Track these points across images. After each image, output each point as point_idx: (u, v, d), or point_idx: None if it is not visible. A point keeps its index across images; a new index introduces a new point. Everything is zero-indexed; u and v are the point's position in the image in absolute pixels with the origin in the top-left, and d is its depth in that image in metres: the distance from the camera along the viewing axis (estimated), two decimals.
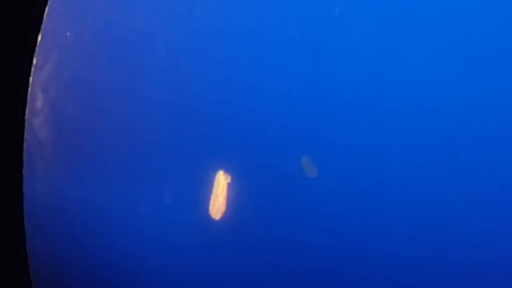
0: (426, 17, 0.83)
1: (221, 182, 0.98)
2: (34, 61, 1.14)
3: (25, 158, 1.15)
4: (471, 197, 0.81)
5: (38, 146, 1.15)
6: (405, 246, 0.85)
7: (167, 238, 1.04)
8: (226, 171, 0.97)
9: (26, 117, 1.15)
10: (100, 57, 1.10)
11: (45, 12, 1.13)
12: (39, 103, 1.14)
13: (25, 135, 1.15)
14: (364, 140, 0.86)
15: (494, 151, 0.79)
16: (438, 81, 0.82)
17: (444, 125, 0.82)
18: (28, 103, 1.15)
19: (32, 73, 1.14)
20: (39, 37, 1.14)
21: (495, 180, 0.79)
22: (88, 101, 1.11)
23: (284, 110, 0.92)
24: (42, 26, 1.13)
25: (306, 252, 0.93)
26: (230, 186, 0.97)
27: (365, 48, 0.86)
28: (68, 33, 1.12)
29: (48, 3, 1.12)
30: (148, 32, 1.05)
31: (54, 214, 1.17)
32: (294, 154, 0.90)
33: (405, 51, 0.84)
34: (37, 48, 1.14)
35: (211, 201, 0.99)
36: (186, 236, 1.02)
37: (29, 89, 1.14)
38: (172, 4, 1.03)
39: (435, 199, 0.83)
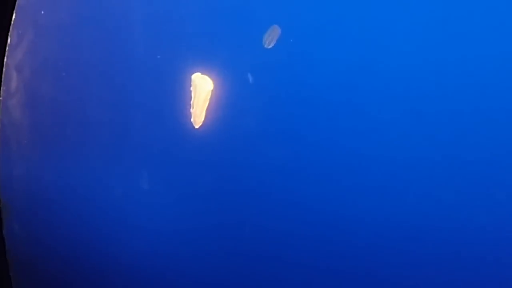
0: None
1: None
2: (9, 40, 1.11)
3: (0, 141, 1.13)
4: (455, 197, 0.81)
5: (13, 128, 1.12)
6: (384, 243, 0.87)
7: (142, 222, 1.03)
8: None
9: (1, 98, 1.12)
10: (76, 37, 1.07)
11: None
12: (13, 84, 1.11)
13: None
14: (360, 138, 0.86)
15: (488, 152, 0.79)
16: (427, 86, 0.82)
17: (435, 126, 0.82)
18: (2, 84, 1.12)
19: (6, 53, 1.11)
20: (13, 16, 1.11)
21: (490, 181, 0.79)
22: (63, 81, 1.08)
23: None
24: (16, 4, 1.10)
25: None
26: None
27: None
28: (43, 12, 1.09)
29: None
30: (125, 12, 1.02)
31: (30, 197, 1.15)
32: None
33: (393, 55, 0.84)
34: (11, 27, 1.11)
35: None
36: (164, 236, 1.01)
37: (4, 69, 1.11)
38: None
39: (409, 193, 0.83)
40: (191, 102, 0.97)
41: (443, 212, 0.82)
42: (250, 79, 0.91)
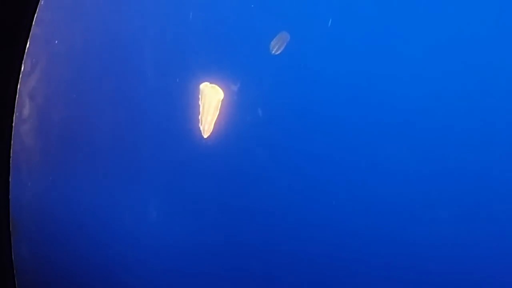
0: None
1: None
2: (22, 68, 1.14)
3: (12, 165, 1.15)
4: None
5: (25, 153, 1.15)
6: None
7: (151, 246, 1.05)
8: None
9: (14, 124, 1.15)
10: (88, 66, 1.11)
11: (34, 19, 1.13)
12: (26, 110, 1.14)
13: (12, 143, 1.15)
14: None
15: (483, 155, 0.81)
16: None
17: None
18: (15, 110, 1.14)
19: (20, 80, 1.14)
20: (28, 44, 1.14)
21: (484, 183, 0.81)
22: (75, 108, 1.11)
23: None
24: (31, 33, 1.13)
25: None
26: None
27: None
28: (56, 41, 1.12)
29: (37, 10, 1.12)
30: (136, 41, 1.05)
31: (41, 221, 1.17)
32: None
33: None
34: (25, 55, 1.14)
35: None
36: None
37: (17, 96, 1.14)
38: (160, 12, 1.03)
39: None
40: (200, 112, 0.98)
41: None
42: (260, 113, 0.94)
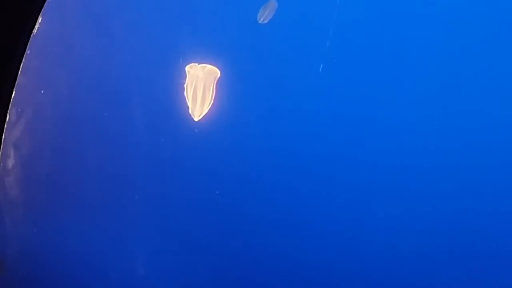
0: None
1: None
2: (7, 117, 1.12)
3: None
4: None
5: (9, 205, 1.12)
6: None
7: None
8: None
9: None
10: (74, 115, 1.08)
11: (20, 68, 1.11)
12: (11, 161, 1.11)
13: None
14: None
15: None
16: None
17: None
18: (0, 161, 1.12)
19: (4, 130, 1.12)
20: (13, 93, 1.11)
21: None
22: (61, 159, 1.09)
23: None
24: (16, 82, 1.11)
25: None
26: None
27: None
28: (42, 91, 1.10)
29: (23, 59, 1.10)
30: (123, 90, 1.03)
31: (24, 273, 1.14)
32: None
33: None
34: (10, 104, 1.11)
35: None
36: None
37: (1, 147, 1.12)
38: (146, 67, 1.01)
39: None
40: (186, 93, 0.93)
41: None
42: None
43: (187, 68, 0.94)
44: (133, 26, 1.02)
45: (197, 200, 0.96)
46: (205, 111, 0.93)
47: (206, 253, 0.96)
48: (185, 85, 0.94)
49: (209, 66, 0.92)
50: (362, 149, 0.85)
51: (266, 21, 0.85)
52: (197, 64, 0.94)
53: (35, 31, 1.08)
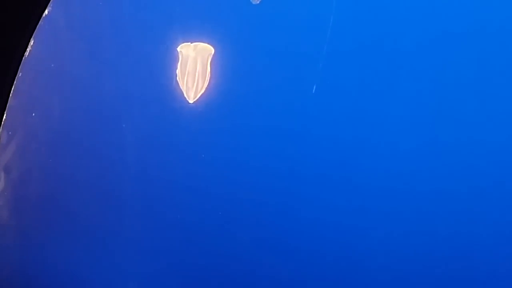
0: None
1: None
2: None
3: None
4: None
5: None
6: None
7: None
8: None
9: None
10: (66, 139, 1.07)
11: (11, 90, 1.10)
12: (0, 185, 1.10)
13: None
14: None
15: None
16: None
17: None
18: None
19: None
20: (4, 116, 1.10)
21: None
22: (52, 184, 1.08)
23: None
24: (7, 105, 1.10)
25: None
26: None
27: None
28: (34, 114, 1.08)
29: (14, 82, 1.09)
30: (114, 118, 1.02)
31: None
32: None
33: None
34: (1, 127, 1.10)
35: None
36: None
37: None
38: (139, 90, 1.00)
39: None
40: (179, 76, 0.90)
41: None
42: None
43: (179, 49, 0.91)
44: (125, 49, 1.02)
45: (196, 200, 0.96)
46: (201, 91, 0.90)
47: (205, 253, 0.96)
48: (177, 69, 0.91)
49: (201, 44, 0.89)
50: (362, 149, 0.85)
51: (258, 2, 0.84)
52: (189, 43, 0.90)
53: (26, 53, 1.07)
